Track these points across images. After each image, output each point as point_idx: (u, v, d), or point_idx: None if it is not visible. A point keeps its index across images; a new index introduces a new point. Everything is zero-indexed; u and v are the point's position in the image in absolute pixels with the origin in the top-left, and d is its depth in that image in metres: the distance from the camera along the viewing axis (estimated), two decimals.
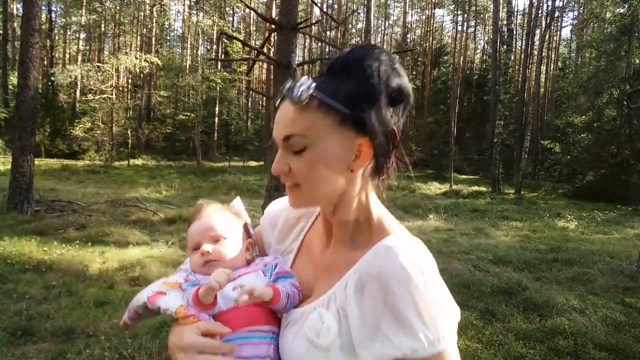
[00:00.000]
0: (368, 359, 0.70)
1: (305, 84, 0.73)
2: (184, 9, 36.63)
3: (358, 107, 0.73)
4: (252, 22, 36.99)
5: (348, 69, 0.74)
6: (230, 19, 37.15)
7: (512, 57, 21.25)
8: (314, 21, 7.81)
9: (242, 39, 22.74)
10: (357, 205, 0.80)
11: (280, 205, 1.02)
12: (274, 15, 17.99)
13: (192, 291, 0.83)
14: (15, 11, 29.54)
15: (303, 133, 0.73)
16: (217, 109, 29.78)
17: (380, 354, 0.68)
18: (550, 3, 25.81)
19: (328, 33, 34.97)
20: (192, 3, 35.77)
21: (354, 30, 41.48)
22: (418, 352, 0.67)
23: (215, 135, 30.40)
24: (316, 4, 6.68)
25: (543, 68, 31.28)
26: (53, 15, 30.63)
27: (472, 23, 43.21)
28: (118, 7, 28.48)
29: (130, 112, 26.78)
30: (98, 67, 23.56)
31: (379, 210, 0.82)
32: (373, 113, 0.73)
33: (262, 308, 0.83)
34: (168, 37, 40.00)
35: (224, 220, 0.98)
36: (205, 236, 0.94)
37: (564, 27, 53.34)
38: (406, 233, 0.79)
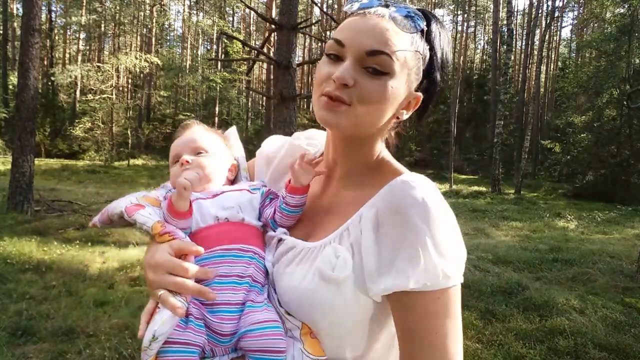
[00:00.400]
0: (378, 292, 0.69)
1: (419, 18, 0.73)
2: (184, 9, 36.65)
3: (436, 69, 0.77)
4: (252, 22, 36.99)
5: (428, 25, 0.75)
6: (230, 19, 37.16)
7: (512, 57, 21.24)
8: (314, 21, 7.81)
9: (242, 39, 22.75)
10: (375, 151, 0.82)
11: (275, 144, 1.02)
12: (274, 15, 17.99)
13: (166, 199, 0.80)
14: (15, 11, 29.54)
15: (396, 58, 0.70)
16: (217, 109, 29.77)
17: (392, 286, 0.67)
18: (550, 3, 25.84)
19: (328, 33, 34.99)
20: (192, 3, 35.78)
21: None
22: (429, 287, 0.66)
23: None
24: (316, 4, 6.69)
25: (543, 68, 31.28)
26: (53, 15, 30.64)
27: (472, 23, 43.22)
28: (118, 7, 28.47)
29: (130, 112, 26.78)
30: (98, 67, 23.56)
31: (387, 155, 0.84)
32: (438, 75, 0.78)
33: (240, 228, 0.82)
34: (168, 37, 40.01)
35: (207, 136, 0.96)
36: (186, 147, 0.91)
37: (564, 27, 53.39)
38: (415, 173, 0.78)
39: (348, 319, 0.72)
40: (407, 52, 0.71)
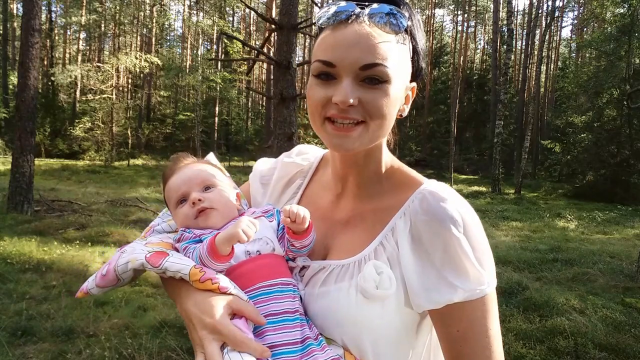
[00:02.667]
0: (428, 307, 0.70)
1: (401, 14, 0.70)
2: (184, 9, 36.63)
3: (420, 54, 0.76)
4: (252, 22, 36.98)
5: (406, 16, 0.72)
6: (230, 19, 37.14)
7: (512, 57, 21.24)
8: (314, 21, 7.80)
9: (242, 39, 22.75)
10: (383, 157, 0.80)
11: (267, 165, 0.99)
12: (274, 15, 17.99)
13: (205, 242, 0.74)
14: (15, 11, 29.54)
15: (390, 63, 0.68)
16: (217, 108, 29.76)
17: (443, 300, 0.68)
18: (550, 3, 25.82)
19: None
20: (192, 3, 35.75)
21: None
22: (476, 295, 0.69)
23: (215, 135, 30.36)
24: (316, 4, 6.68)
25: (543, 68, 31.26)
26: (53, 15, 30.65)
27: (472, 23, 43.20)
28: (118, 7, 28.45)
29: (130, 112, 26.77)
30: (98, 67, 23.55)
31: (396, 160, 0.83)
32: (422, 62, 0.77)
33: (275, 260, 0.77)
34: (168, 37, 40.02)
35: (208, 168, 0.91)
36: (192, 184, 0.85)
37: (564, 27, 53.43)
38: (435, 180, 0.79)
39: (391, 334, 0.73)
40: (397, 50, 0.70)
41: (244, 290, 0.73)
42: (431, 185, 0.75)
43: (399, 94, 0.72)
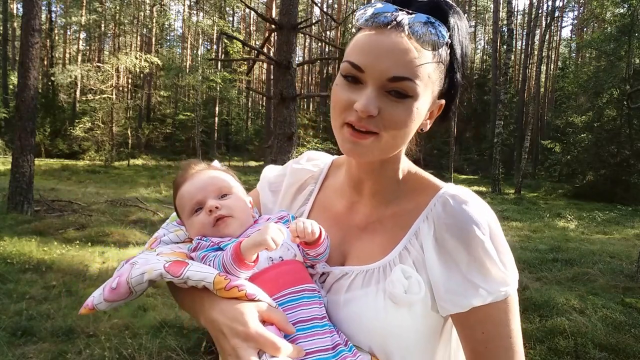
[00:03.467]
0: (451, 310, 0.70)
1: (441, 31, 0.66)
2: (184, 9, 36.64)
3: (457, 70, 0.72)
4: (252, 22, 36.99)
5: (444, 21, 0.68)
6: (230, 19, 37.14)
7: (512, 57, 21.23)
8: (314, 21, 7.80)
9: (242, 39, 22.75)
10: (401, 164, 0.80)
11: (276, 172, 0.98)
12: (274, 15, 17.99)
13: (229, 249, 0.72)
14: (15, 11, 29.54)
15: (420, 81, 0.65)
16: (217, 109, 29.77)
17: (469, 304, 0.69)
18: (550, 3, 25.83)
19: (328, 33, 34.98)
20: (192, 3, 35.75)
21: (354, 30, 41.47)
22: (501, 297, 0.69)
23: (215, 135, 30.36)
24: (316, 4, 6.68)
25: (543, 68, 31.27)
26: (53, 15, 30.66)
27: (472, 23, 43.20)
28: (118, 7, 28.45)
29: (130, 112, 26.75)
30: (98, 67, 23.55)
31: (413, 165, 0.82)
32: (458, 75, 0.73)
33: (298, 267, 0.76)
34: (168, 37, 40.01)
35: (222, 175, 0.88)
36: (208, 192, 0.83)
37: (564, 27, 53.39)
38: (453, 184, 0.79)
39: (418, 338, 0.73)
40: (430, 66, 0.66)
41: (270, 297, 0.71)
42: (452, 189, 0.75)
43: (423, 111, 0.69)
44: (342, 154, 0.82)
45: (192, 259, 0.78)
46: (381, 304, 0.71)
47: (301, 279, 0.74)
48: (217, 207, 0.80)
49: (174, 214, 0.93)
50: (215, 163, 0.97)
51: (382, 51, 0.65)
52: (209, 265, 0.73)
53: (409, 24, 0.65)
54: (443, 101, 0.74)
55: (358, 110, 0.65)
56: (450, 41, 0.69)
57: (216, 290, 0.69)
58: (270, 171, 0.99)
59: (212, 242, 0.78)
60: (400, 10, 0.67)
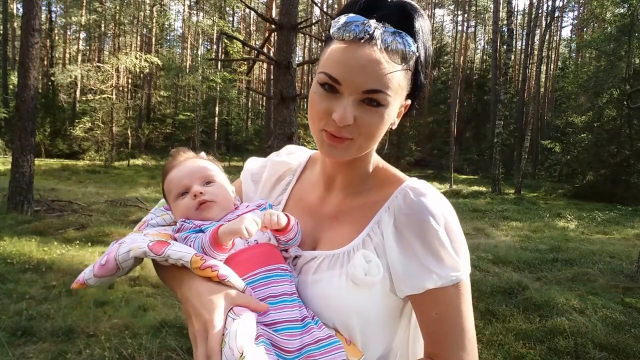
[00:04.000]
0: (407, 292, 0.77)
1: (408, 41, 0.72)
2: (184, 9, 36.64)
3: (420, 71, 0.79)
4: (252, 22, 36.99)
5: (410, 27, 0.73)
6: (230, 19, 37.15)
7: (512, 57, 21.23)
8: (314, 21, 7.80)
9: (242, 39, 22.75)
10: (372, 160, 0.87)
11: (258, 164, 1.05)
12: (274, 15, 17.98)
13: (208, 232, 0.79)
14: (15, 11, 29.54)
15: (391, 91, 0.73)
16: (217, 108, 29.77)
17: (423, 286, 0.75)
18: (550, 3, 25.83)
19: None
20: (192, 3, 35.76)
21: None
22: (453, 281, 0.76)
23: (215, 135, 30.38)
24: (316, 4, 6.68)
25: (543, 68, 31.28)
26: (53, 15, 30.64)
27: (472, 23, 43.21)
28: (118, 7, 28.46)
29: (130, 112, 26.76)
30: (98, 67, 23.55)
31: (381, 161, 0.90)
32: (422, 76, 0.80)
33: (272, 249, 0.83)
34: (168, 37, 40.01)
35: (209, 163, 0.96)
36: (194, 178, 0.90)
37: (564, 27, 53.41)
38: (416, 178, 0.86)
39: (377, 317, 0.80)
40: (400, 74, 0.73)
41: (244, 277, 0.77)
42: (413, 182, 0.83)
43: (393, 115, 0.77)
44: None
45: (175, 239, 0.85)
46: (344, 284, 0.78)
47: (273, 260, 0.81)
48: (201, 193, 0.88)
49: (162, 200, 1.00)
50: (203, 154, 1.04)
51: (357, 66, 0.70)
52: (190, 245, 0.80)
53: (380, 37, 0.70)
54: (409, 102, 0.81)
55: (336, 121, 0.72)
56: (418, 47, 0.75)
57: (192, 268, 0.75)
58: (253, 163, 1.07)
59: (194, 224, 0.85)
60: (369, 19, 0.71)
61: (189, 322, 0.74)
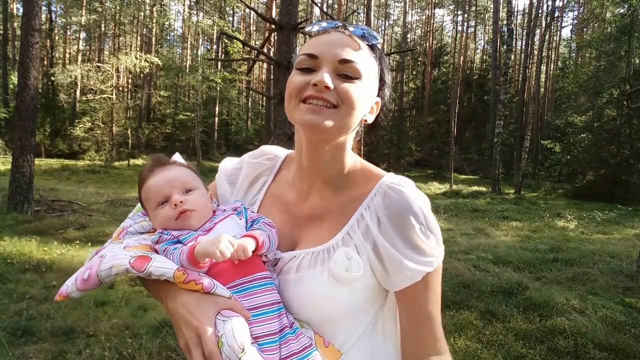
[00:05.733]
0: (394, 287, 0.81)
1: (373, 33, 0.84)
2: (184, 9, 36.61)
3: (384, 76, 0.88)
4: (252, 22, 36.98)
5: (375, 40, 0.86)
6: (230, 19, 37.12)
7: (512, 57, 21.23)
8: (314, 21, 7.80)
9: (242, 39, 22.74)
10: (349, 157, 0.89)
11: (232, 164, 1.05)
12: (274, 15, 17.97)
13: (185, 251, 0.78)
14: (15, 11, 29.53)
15: (362, 65, 0.80)
16: (217, 108, 29.76)
17: (406, 280, 0.80)
18: (550, 3, 25.78)
19: None
20: (192, 3, 35.74)
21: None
22: (431, 269, 0.80)
23: (215, 135, 30.37)
24: (316, 4, 6.69)
25: (543, 68, 31.27)
26: (53, 15, 30.62)
27: (472, 23, 43.19)
28: (118, 7, 28.44)
29: (130, 112, 26.75)
30: (98, 67, 23.54)
31: (360, 159, 0.92)
32: (386, 90, 0.90)
33: (250, 257, 0.81)
34: (168, 37, 40.00)
35: (187, 171, 0.95)
36: (173, 187, 0.89)
37: (564, 27, 53.38)
38: (393, 173, 0.88)
39: (356, 309, 0.83)
40: (369, 58, 0.83)
41: (225, 286, 0.77)
42: (390, 179, 0.85)
43: (367, 95, 0.82)
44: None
45: (155, 251, 0.85)
46: (325, 282, 0.80)
47: (252, 268, 0.80)
48: (181, 202, 0.87)
49: (139, 204, 0.99)
50: (177, 156, 1.03)
51: (331, 41, 0.81)
52: (169, 257, 0.81)
53: (349, 29, 0.83)
54: (379, 99, 0.88)
55: (317, 83, 0.76)
56: (379, 49, 0.87)
57: (176, 283, 0.77)
58: (227, 163, 1.07)
59: (172, 235, 0.85)
60: (344, 27, 0.84)
61: (179, 332, 0.76)
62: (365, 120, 0.86)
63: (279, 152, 1.03)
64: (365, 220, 0.82)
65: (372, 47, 0.85)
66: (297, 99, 0.80)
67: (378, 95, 0.87)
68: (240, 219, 0.88)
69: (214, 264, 0.79)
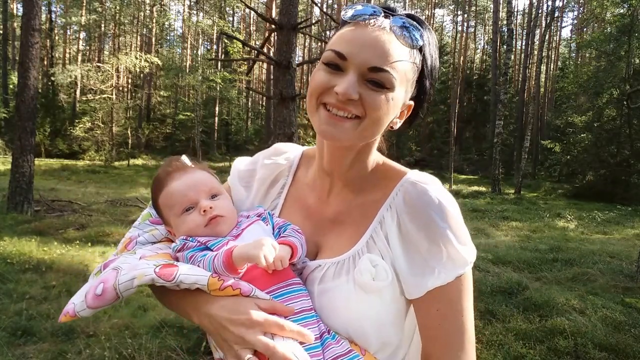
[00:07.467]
0: (418, 294, 0.74)
1: (417, 30, 0.73)
2: (184, 9, 36.61)
3: (427, 77, 0.78)
4: (252, 22, 36.96)
5: (421, 35, 0.74)
6: (230, 19, 37.11)
7: (512, 57, 21.22)
8: (314, 21, 7.80)
9: (242, 39, 22.74)
10: (372, 157, 0.84)
11: (246, 165, 0.98)
12: (274, 15, 17.98)
13: (220, 255, 0.73)
14: (15, 11, 29.53)
15: (397, 73, 0.71)
16: (217, 108, 29.75)
17: (431, 285, 0.73)
18: (550, 3, 25.78)
19: (328, 33, 34.98)
20: (192, 3, 35.73)
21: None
22: (458, 274, 0.74)
23: (215, 135, 30.36)
24: (316, 4, 6.68)
25: (543, 68, 31.26)
26: (53, 15, 30.63)
27: (472, 23, 43.19)
28: (118, 7, 28.44)
29: (130, 112, 26.74)
30: (98, 67, 23.54)
31: (383, 157, 0.87)
32: (427, 82, 0.79)
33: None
34: (168, 37, 40.00)
35: (210, 175, 0.90)
36: (200, 192, 0.84)
37: (564, 27, 53.42)
38: (417, 170, 0.82)
39: (390, 320, 0.77)
40: (406, 64, 0.72)
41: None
42: (413, 177, 0.79)
43: (397, 105, 0.74)
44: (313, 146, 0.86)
45: (177, 259, 0.79)
46: (352, 293, 0.74)
47: (286, 275, 0.77)
48: (211, 208, 0.82)
49: (146, 212, 0.93)
50: (185, 159, 0.96)
51: (365, 42, 0.70)
52: (198, 265, 0.75)
53: (390, 22, 0.72)
54: (412, 103, 0.79)
55: (339, 93, 0.69)
56: (423, 48, 0.75)
57: (210, 291, 0.71)
58: (240, 164, 1.00)
59: (199, 241, 0.80)
60: (384, 11, 0.74)
61: (215, 335, 0.71)
62: (392, 127, 0.79)
63: (295, 149, 0.97)
64: (387, 222, 0.77)
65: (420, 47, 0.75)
66: (317, 100, 0.73)
67: (411, 99, 0.79)
68: (267, 225, 0.84)
69: (246, 271, 0.75)
